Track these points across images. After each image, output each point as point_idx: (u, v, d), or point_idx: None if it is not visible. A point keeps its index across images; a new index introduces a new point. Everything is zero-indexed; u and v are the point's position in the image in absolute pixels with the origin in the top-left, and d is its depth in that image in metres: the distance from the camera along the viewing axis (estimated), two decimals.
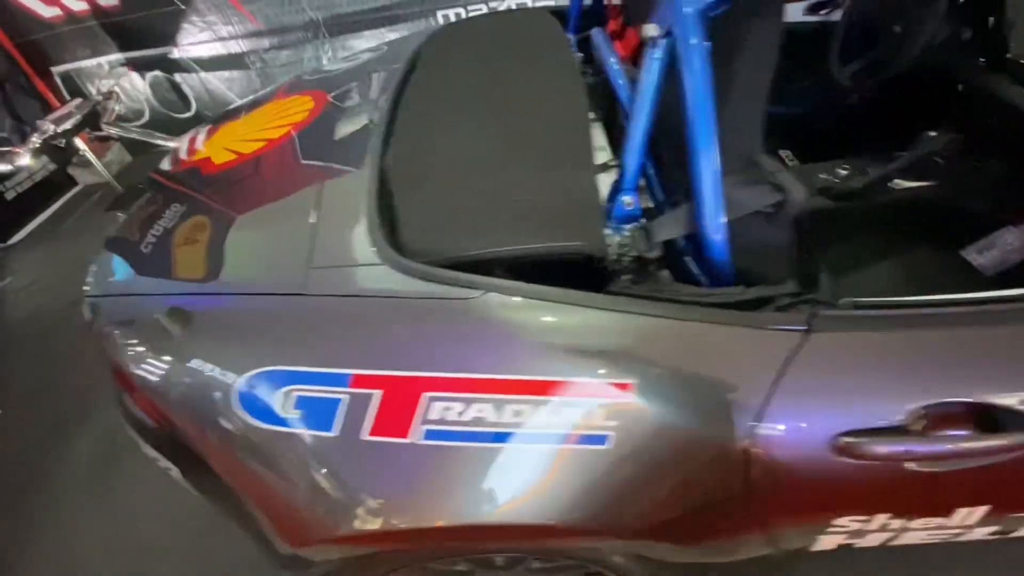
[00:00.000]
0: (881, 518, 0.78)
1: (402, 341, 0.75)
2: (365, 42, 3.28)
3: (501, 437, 0.70)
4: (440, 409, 0.71)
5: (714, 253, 0.76)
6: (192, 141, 1.40)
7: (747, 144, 0.80)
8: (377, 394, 0.73)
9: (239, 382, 0.78)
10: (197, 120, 3.63)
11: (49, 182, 3.52)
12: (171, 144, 3.14)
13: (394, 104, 1.13)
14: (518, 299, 0.72)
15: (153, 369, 0.87)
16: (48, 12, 3.23)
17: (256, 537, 1.00)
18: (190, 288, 0.89)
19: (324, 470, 0.76)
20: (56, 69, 3.46)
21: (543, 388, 0.69)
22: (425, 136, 1.00)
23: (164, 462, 1.01)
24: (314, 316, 0.78)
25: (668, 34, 0.73)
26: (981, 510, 0.77)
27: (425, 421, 0.71)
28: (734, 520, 0.79)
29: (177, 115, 3.65)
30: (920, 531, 0.82)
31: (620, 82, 1.08)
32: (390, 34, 3.24)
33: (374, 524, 0.75)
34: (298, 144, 1.13)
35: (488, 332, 0.72)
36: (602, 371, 0.69)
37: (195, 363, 0.83)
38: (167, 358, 0.84)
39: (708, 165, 0.71)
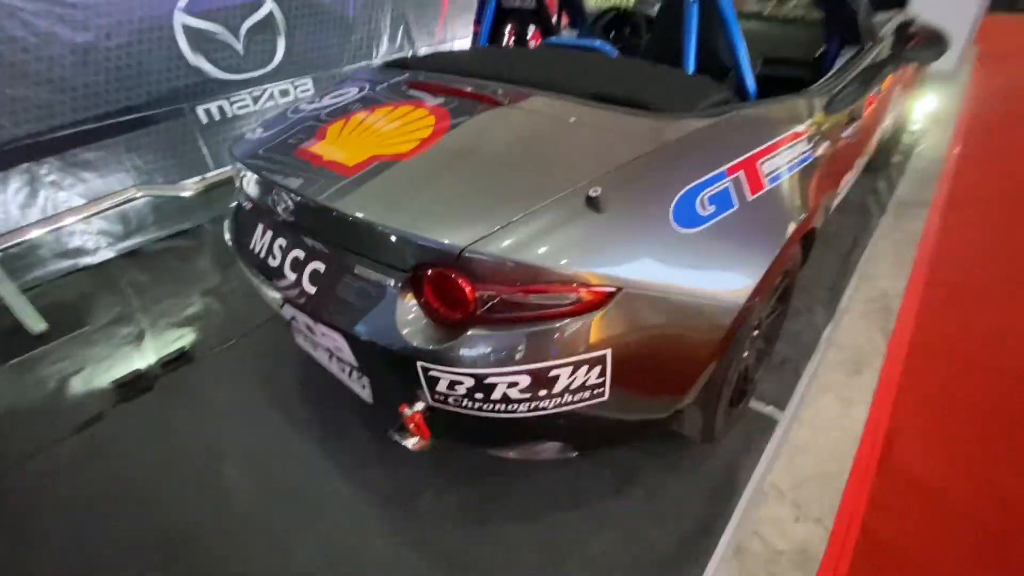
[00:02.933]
0: None
1: (732, 140, 1.23)
2: (107, 154, 2.71)
3: (791, 168, 1.31)
4: (767, 167, 1.25)
5: (753, 94, 1.58)
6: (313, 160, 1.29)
7: None
8: (740, 172, 1.20)
9: (671, 209, 1.09)
10: None
11: None
12: None
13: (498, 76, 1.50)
14: (759, 109, 1.37)
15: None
16: None
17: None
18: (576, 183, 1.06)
19: (741, 233, 1.17)
20: None
21: (790, 139, 1.34)
22: (584, 70, 1.48)
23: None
24: (681, 148, 1.17)
25: None
26: None
27: (765, 175, 1.24)
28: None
29: None
30: None
31: (609, 49, 1.79)
32: (143, 139, 2.79)
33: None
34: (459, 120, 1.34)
35: (758, 123, 1.32)
36: (793, 128, 1.41)
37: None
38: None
39: (746, 61, 1.53)
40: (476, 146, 1.22)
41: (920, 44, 2.03)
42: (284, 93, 3.28)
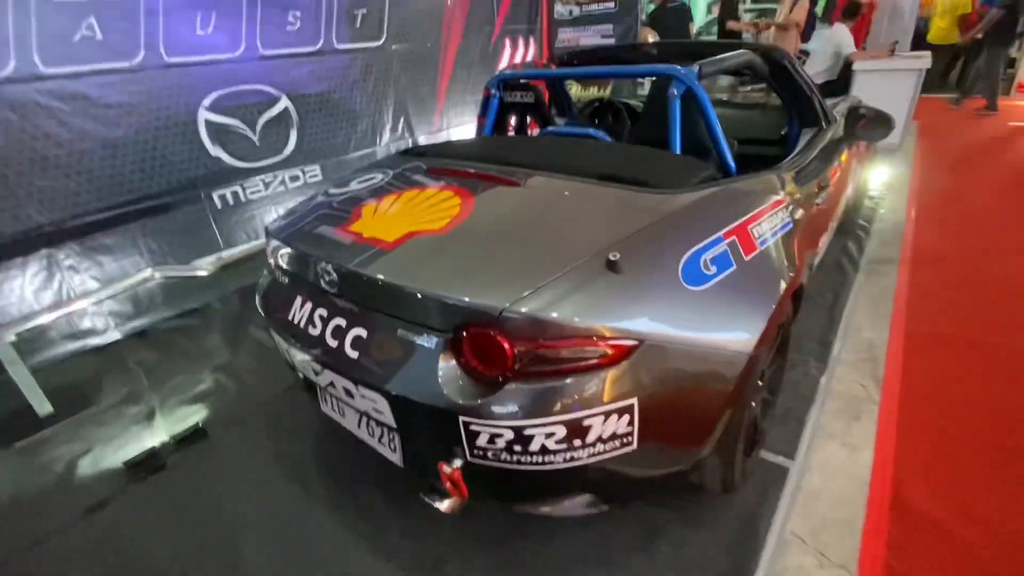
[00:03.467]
0: None
1: (724, 210, 1.40)
2: (123, 238, 2.82)
3: (775, 232, 1.48)
4: (757, 231, 1.42)
5: (733, 171, 1.80)
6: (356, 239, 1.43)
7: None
8: (734, 237, 1.36)
9: (680, 270, 1.23)
10: None
11: None
12: None
13: (509, 161, 1.70)
14: (743, 183, 1.56)
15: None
16: None
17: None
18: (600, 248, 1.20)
19: (742, 289, 1.31)
20: None
21: (772, 207, 1.52)
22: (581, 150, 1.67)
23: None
24: (682, 217, 1.34)
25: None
26: None
27: (756, 239, 1.40)
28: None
29: None
30: None
31: (602, 135, 2.02)
32: (159, 223, 2.93)
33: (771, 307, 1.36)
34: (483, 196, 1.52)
35: (743, 195, 1.51)
36: (773, 198, 1.59)
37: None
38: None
39: (724, 142, 1.76)
40: (502, 220, 1.37)
41: (869, 125, 2.33)
42: (294, 179, 3.50)
